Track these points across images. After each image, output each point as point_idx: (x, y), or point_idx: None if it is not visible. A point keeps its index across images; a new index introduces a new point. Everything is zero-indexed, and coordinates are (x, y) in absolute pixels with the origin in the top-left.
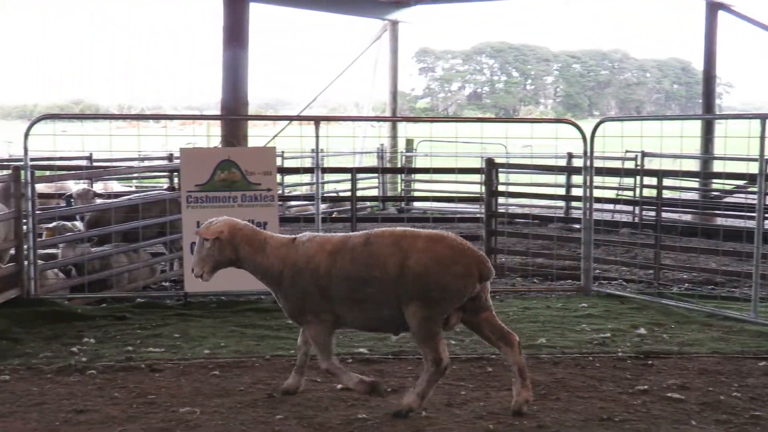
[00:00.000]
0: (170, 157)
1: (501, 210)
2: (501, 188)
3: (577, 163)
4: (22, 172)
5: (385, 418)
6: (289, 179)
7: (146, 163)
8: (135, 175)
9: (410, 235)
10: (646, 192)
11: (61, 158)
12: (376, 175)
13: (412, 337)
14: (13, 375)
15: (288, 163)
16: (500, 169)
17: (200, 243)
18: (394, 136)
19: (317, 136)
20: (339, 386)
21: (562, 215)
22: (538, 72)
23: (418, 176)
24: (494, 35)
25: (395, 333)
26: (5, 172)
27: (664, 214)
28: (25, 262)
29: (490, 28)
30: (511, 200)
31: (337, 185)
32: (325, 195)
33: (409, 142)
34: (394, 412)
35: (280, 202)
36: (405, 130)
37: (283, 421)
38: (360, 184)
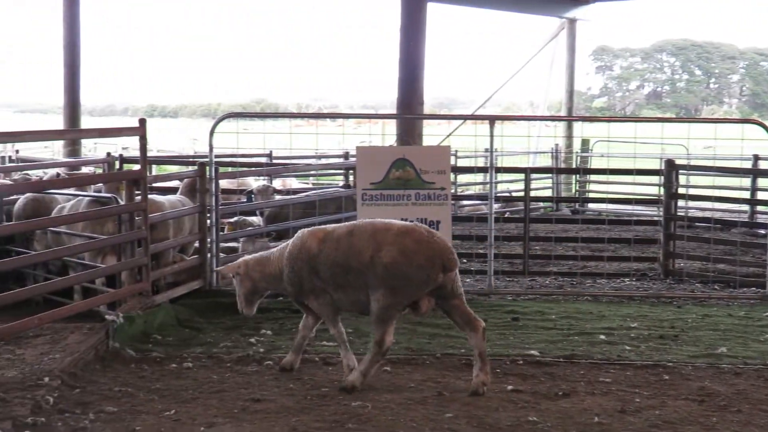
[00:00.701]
0: (346, 155)
1: (680, 213)
2: (681, 191)
3: (764, 165)
4: (207, 168)
5: (556, 421)
6: (462, 178)
7: (323, 161)
8: (312, 172)
9: (384, 228)
10: None
11: (242, 155)
12: (550, 175)
13: (371, 317)
14: (195, 363)
15: (461, 162)
16: (680, 171)
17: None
18: (569, 136)
19: (491, 136)
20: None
21: (747, 219)
22: (723, 70)
23: (593, 177)
24: (676, 32)
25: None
26: (191, 168)
27: None
28: (208, 255)
29: (672, 25)
30: (692, 203)
31: (511, 185)
32: (498, 195)
33: (585, 142)
34: (340, 387)
35: (452, 202)
36: (581, 129)
37: (452, 419)
38: (534, 184)
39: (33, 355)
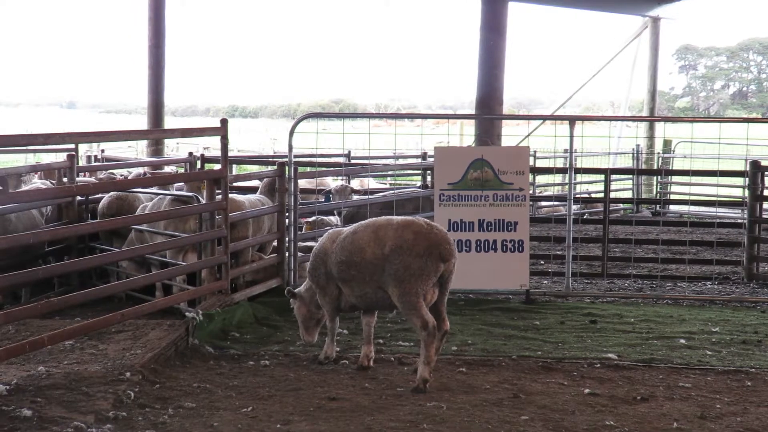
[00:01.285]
0: (424, 156)
1: (765, 216)
2: (767, 193)
3: None
4: (286, 168)
5: (633, 425)
6: (541, 179)
7: (401, 161)
8: (390, 172)
9: (385, 225)
10: None
11: (321, 155)
12: (630, 176)
13: (400, 310)
14: (272, 360)
15: (540, 163)
16: (767, 173)
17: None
18: (651, 137)
19: (571, 136)
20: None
21: None
22: None
23: (675, 178)
24: (763, 30)
25: (389, 310)
26: (270, 167)
27: None
28: (286, 254)
29: (759, 23)
30: None
31: (590, 186)
32: (577, 196)
33: (667, 143)
34: (413, 389)
35: (531, 202)
36: (663, 130)
37: (528, 422)
38: (614, 186)
39: (115, 350)
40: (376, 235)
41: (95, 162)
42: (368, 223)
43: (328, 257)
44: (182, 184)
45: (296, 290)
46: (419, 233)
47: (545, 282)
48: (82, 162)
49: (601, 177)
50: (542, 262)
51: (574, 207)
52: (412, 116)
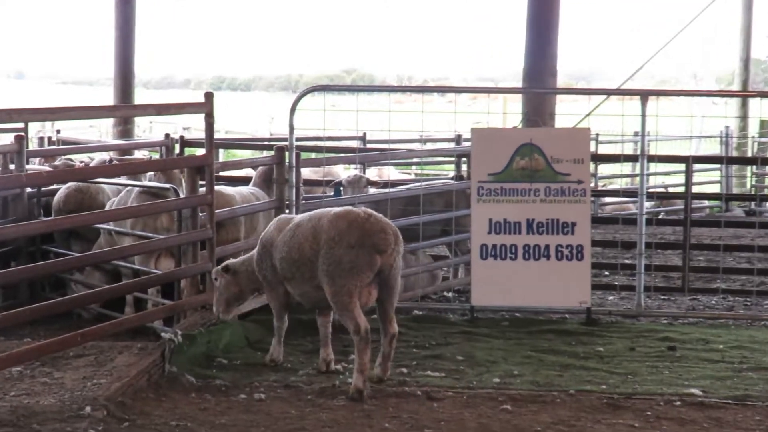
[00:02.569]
0: (458, 139)
1: None
2: None
3: None
4: (286, 153)
5: None
6: (605, 169)
7: (429, 146)
8: (416, 160)
9: (323, 216)
10: None
11: (329, 138)
12: (718, 165)
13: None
14: (269, 393)
15: (604, 149)
16: None
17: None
18: (743, 116)
19: (643, 115)
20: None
21: None
22: None
23: None
24: None
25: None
26: (266, 153)
27: None
28: None
29: None
30: None
31: (667, 178)
32: (650, 190)
33: (764, 125)
34: (348, 398)
35: (592, 198)
36: (759, 108)
37: None
38: (696, 177)
39: (74, 379)
40: (314, 229)
41: (49, 145)
42: (312, 216)
43: (274, 249)
44: (157, 173)
45: (230, 264)
46: (353, 222)
47: (610, 298)
48: (33, 145)
49: (681, 166)
50: (607, 273)
51: (646, 204)
52: (443, 90)
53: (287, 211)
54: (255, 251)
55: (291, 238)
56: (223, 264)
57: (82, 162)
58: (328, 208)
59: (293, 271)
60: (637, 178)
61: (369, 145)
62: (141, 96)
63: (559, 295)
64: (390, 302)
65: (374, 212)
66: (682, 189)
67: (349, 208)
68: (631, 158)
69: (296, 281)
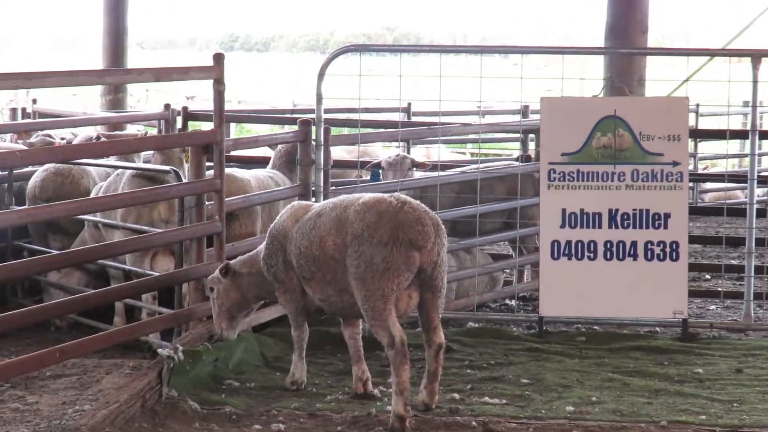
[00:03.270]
0: (525, 111)
1: None
2: None
3: None
4: (313, 128)
5: None
6: (707, 147)
7: (488, 120)
8: (472, 136)
9: (349, 205)
10: None
11: (366, 110)
12: None
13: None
14: (289, 423)
15: (705, 123)
16: None
17: None
18: None
19: (755, 81)
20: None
21: None
22: None
23: None
24: None
25: (363, 319)
26: (288, 128)
27: None
28: None
29: None
30: None
31: None
32: (763, 173)
33: None
34: (388, 429)
35: (691, 184)
36: None
37: None
38: None
39: (51, 404)
40: (339, 220)
41: (23, 118)
42: (336, 204)
43: (288, 242)
44: (153, 153)
45: (230, 265)
46: (384, 214)
47: (713, 308)
48: (4, 118)
49: None
50: (708, 277)
51: (758, 191)
52: (506, 50)
53: (313, 199)
54: (262, 246)
55: (311, 229)
56: (221, 266)
57: (63, 139)
58: (357, 195)
59: (313, 271)
60: (746, 159)
61: (414, 119)
62: (135, 58)
63: (649, 303)
64: (435, 307)
65: (409, 199)
66: None
67: (381, 195)
68: (740, 134)
69: (316, 283)
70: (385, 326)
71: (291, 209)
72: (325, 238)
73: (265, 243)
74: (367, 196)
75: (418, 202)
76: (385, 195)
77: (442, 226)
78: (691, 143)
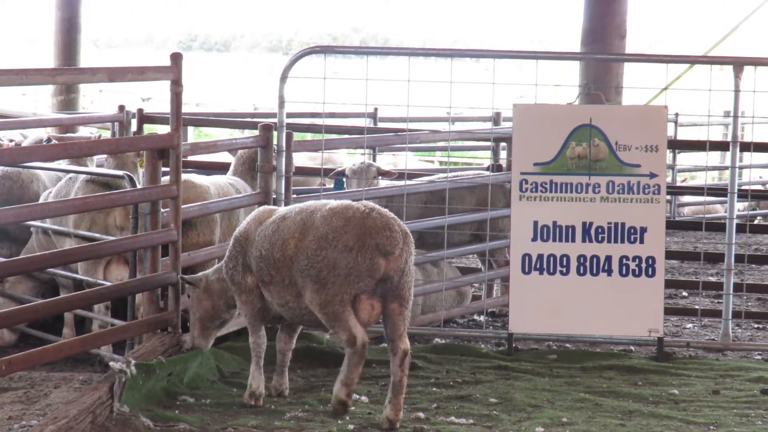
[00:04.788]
0: (496, 118)
1: None
2: None
3: None
4: (274, 133)
5: None
6: (685, 159)
7: (458, 126)
8: (440, 144)
9: (315, 210)
10: None
11: (331, 115)
12: None
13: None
14: None
15: (685, 133)
16: None
17: None
18: None
19: (736, 91)
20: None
21: None
22: None
23: None
24: None
25: (322, 327)
26: (249, 133)
27: None
28: None
29: None
30: None
31: (765, 172)
32: (744, 187)
33: None
34: (331, 412)
35: (668, 197)
36: None
37: None
38: None
39: None
40: (304, 224)
41: None
42: (302, 208)
43: (249, 244)
44: (106, 157)
45: (199, 276)
46: (351, 219)
47: (689, 326)
48: None
49: None
50: (685, 294)
51: (738, 205)
52: (478, 54)
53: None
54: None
55: (273, 232)
56: (182, 277)
57: (11, 141)
58: (324, 201)
59: (272, 274)
60: (727, 172)
61: (381, 125)
62: (89, 57)
63: (623, 321)
64: (401, 317)
65: (377, 206)
66: None
67: (348, 202)
68: (720, 146)
69: (275, 287)
70: (347, 327)
71: (256, 213)
72: (287, 241)
73: (228, 248)
74: (335, 202)
75: (386, 210)
76: (353, 202)
77: (411, 235)
78: (669, 154)
